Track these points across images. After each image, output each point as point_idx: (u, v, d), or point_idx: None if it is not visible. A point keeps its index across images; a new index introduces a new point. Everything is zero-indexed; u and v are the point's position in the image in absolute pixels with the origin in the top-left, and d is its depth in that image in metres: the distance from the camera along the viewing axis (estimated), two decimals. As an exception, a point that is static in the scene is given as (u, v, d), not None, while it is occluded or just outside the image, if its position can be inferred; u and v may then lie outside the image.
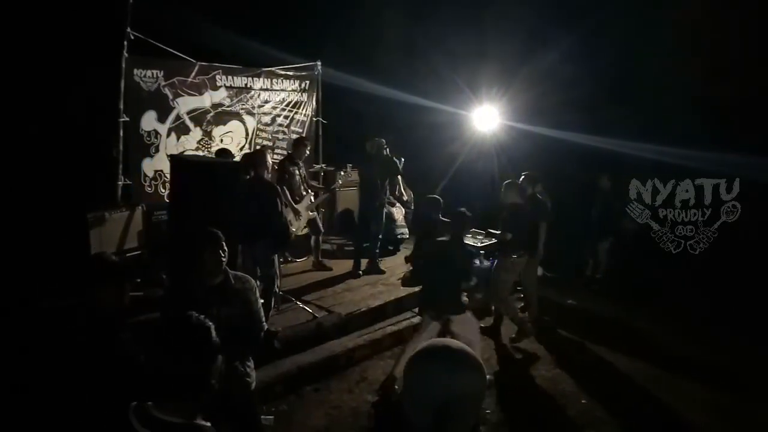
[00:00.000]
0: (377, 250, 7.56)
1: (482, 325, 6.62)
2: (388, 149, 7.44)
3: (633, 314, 6.92)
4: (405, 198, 8.88)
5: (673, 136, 7.22)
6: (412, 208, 9.24)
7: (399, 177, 8.41)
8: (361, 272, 7.37)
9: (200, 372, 1.69)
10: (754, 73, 6.96)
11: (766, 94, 6.81)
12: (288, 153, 7.67)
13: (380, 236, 7.52)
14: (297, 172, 7.07)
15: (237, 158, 7.69)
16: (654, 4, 8.11)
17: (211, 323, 1.77)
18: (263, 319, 3.41)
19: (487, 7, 9.46)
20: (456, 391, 1.33)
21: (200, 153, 7.40)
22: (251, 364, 3.39)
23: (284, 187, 6.84)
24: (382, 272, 7.43)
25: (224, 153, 6.49)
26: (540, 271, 7.11)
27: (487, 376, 1.41)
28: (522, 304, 6.97)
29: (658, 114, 7.85)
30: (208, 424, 1.71)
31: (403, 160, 8.19)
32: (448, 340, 1.45)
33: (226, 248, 3.19)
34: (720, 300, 6.55)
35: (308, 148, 7.41)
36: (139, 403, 1.65)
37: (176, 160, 4.77)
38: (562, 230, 7.36)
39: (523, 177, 6.79)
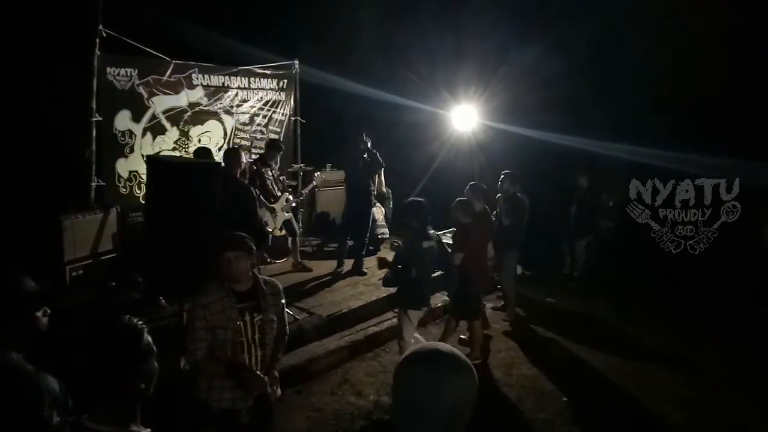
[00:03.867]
0: (363, 252, 7.55)
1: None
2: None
3: (612, 313, 7.01)
4: (384, 192, 8.86)
5: (649, 136, 7.32)
6: (391, 206, 9.24)
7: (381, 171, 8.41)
8: (341, 269, 7.36)
9: (125, 376, 1.64)
10: (727, 73, 7.11)
11: (744, 94, 6.97)
12: (260, 154, 7.58)
13: (367, 236, 7.52)
14: (269, 173, 7.00)
15: (217, 158, 7.64)
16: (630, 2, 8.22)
17: (143, 326, 1.70)
18: (287, 323, 3.39)
19: (465, 6, 9.49)
20: (450, 395, 1.30)
21: (177, 153, 7.27)
22: None
23: (256, 189, 6.76)
24: (364, 274, 7.40)
25: (204, 152, 6.12)
26: (519, 269, 7.17)
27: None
28: (502, 303, 7.03)
29: (634, 114, 7.96)
30: (148, 430, 1.68)
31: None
32: (437, 344, 1.43)
33: (253, 253, 3.07)
34: (704, 298, 6.68)
35: (281, 151, 7.29)
36: (76, 416, 1.61)
37: (152, 161, 4.66)
38: (540, 228, 7.44)
39: (503, 176, 6.83)
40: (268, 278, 3.31)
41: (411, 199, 5.44)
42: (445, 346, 1.40)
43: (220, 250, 2.98)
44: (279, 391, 3.29)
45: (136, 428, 1.65)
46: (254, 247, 3.08)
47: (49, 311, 1.95)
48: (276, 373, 3.23)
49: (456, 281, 5.49)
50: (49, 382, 1.83)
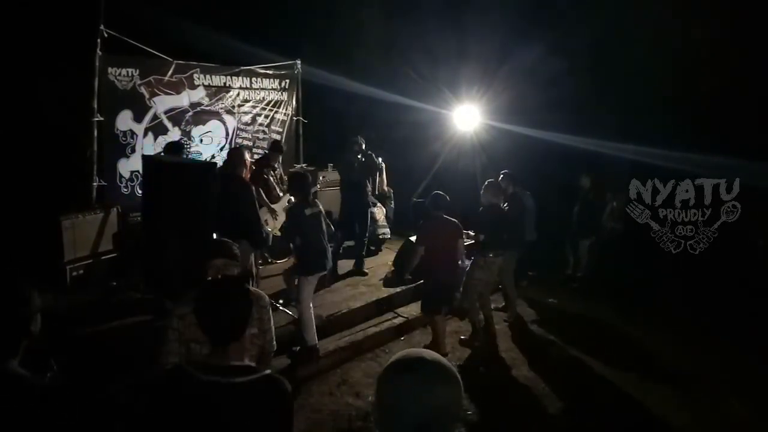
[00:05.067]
0: (364, 252, 7.55)
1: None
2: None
3: (612, 313, 6.98)
4: (386, 191, 8.84)
5: (651, 136, 7.29)
6: (393, 205, 9.23)
7: (380, 172, 8.40)
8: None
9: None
10: (727, 74, 7.07)
11: (745, 94, 6.93)
12: (263, 155, 7.61)
13: (366, 236, 7.53)
14: (272, 173, 7.02)
15: (217, 158, 7.67)
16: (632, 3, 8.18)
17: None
18: (274, 339, 3.07)
19: (467, 6, 9.46)
20: (434, 404, 1.29)
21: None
22: None
23: (259, 188, 6.78)
24: (365, 274, 7.40)
25: (174, 146, 6.06)
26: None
27: (460, 379, 1.36)
28: (503, 303, 7.01)
29: (637, 114, 7.92)
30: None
31: (380, 159, 8.19)
32: (422, 351, 1.41)
33: (239, 261, 2.90)
34: (704, 298, 6.65)
35: (281, 153, 7.35)
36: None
37: (148, 160, 4.67)
38: (543, 229, 7.42)
39: (502, 176, 6.82)
40: (254, 289, 3.07)
41: (292, 170, 6.13)
42: (430, 354, 1.39)
43: (207, 257, 2.82)
44: None
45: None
46: (239, 255, 2.94)
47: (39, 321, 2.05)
48: None
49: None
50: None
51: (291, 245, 5.43)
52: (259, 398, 1.86)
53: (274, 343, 3.07)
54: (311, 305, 5.32)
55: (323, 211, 5.43)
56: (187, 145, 7.46)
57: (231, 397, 1.81)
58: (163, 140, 7.22)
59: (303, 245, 5.19)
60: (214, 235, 4.85)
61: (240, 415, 1.80)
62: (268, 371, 1.97)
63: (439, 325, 5.65)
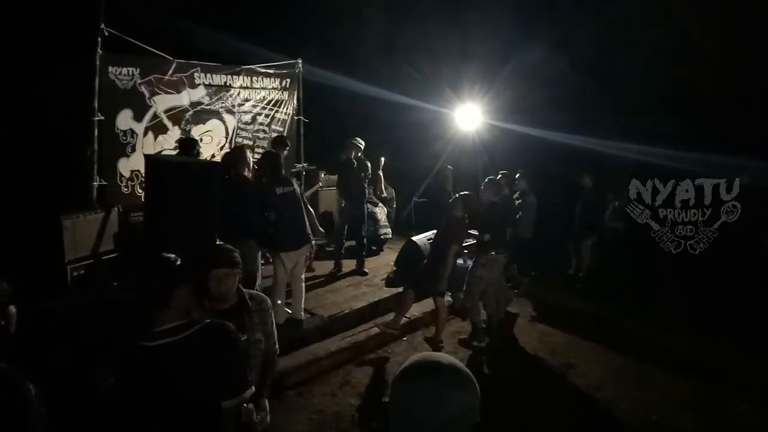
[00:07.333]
0: (364, 252, 7.54)
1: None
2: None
3: (615, 313, 6.97)
4: (385, 195, 8.82)
5: (654, 135, 7.28)
6: (394, 206, 9.21)
7: (380, 173, 8.37)
8: (336, 270, 7.43)
9: None
10: (729, 73, 7.06)
11: (745, 94, 6.92)
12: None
13: (364, 235, 7.51)
14: None
15: (217, 157, 7.63)
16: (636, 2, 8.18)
17: None
18: (276, 342, 3.05)
19: (469, 5, 9.45)
20: (450, 411, 1.26)
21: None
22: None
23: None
24: (366, 274, 7.39)
25: (188, 142, 6.19)
26: None
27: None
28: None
29: (638, 113, 7.92)
30: None
31: (383, 159, 8.16)
32: (437, 355, 1.38)
33: (241, 267, 2.75)
34: (704, 298, 6.63)
35: (287, 147, 7.29)
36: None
37: (150, 160, 4.64)
38: (545, 229, 7.41)
39: (500, 176, 6.82)
40: (255, 292, 3.00)
41: (267, 150, 6.31)
42: (446, 358, 1.36)
43: (207, 266, 2.63)
44: (268, 419, 2.97)
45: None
46: (239, 261, 2.77)
47: (14, 311, 2.14)
48: (265, 402, 2.91)
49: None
50: (31, 387, 1.87)
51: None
52: (205, 343, 2.10)
53: (277, 346, 3.06)
54: (284, 288, 5.61)
55: (298, 190, 5.59)
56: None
57: (181, 351, 2.05)
58: (163, 139, 7.20)
59: (276, 222, 5.34)
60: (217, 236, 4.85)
61: (193, 362, 2.06)
62: (207, 320, 2.18)
63: (407, 298, 5.87)
